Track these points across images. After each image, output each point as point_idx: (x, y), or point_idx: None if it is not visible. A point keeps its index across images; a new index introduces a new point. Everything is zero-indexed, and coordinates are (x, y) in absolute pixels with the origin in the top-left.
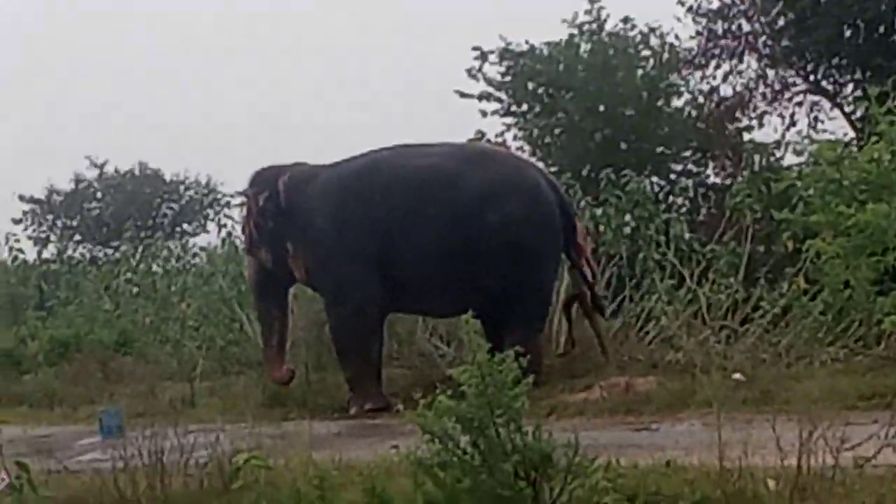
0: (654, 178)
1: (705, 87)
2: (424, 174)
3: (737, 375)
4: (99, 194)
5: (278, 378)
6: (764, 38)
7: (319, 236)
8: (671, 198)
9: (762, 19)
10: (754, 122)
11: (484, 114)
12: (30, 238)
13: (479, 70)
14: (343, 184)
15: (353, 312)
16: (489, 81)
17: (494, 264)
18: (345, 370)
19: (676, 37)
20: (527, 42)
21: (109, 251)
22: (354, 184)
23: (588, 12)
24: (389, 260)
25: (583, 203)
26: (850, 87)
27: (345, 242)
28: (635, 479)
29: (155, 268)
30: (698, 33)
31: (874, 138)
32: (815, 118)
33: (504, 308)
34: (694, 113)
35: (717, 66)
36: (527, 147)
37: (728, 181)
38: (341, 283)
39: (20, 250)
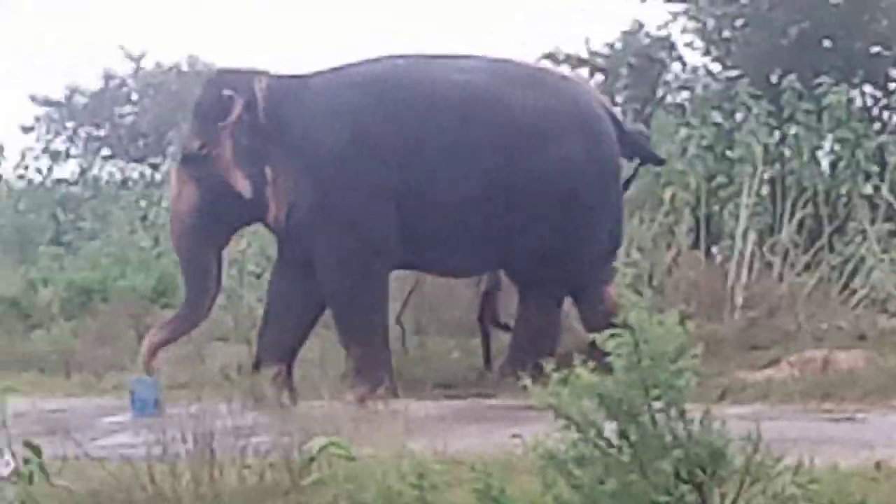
0: (866, 88)
1: None
2: (463, 91)
3: None
4: (134, 96)
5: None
6: None
7: (324, 160)
8: (888, 114)
9: None
10: None
11: None
12: (44, 152)
13: None
14: (358, 93)
15: (365, 267)
16: None
17: (541, 215)
18: (350, 345)
19: None
20: None
21: (147, 170)
22: (373, 94)
23: None
24: (409, 202)
25: (766, 120)
26: None
27: (361, 169)
28: (834, 485)
29: None
30: None
31: None
32: None
33: (534, 270)
34: None
35: None
36: (699, 43)
37: None
38: (353, 224)
39: (25, 167)
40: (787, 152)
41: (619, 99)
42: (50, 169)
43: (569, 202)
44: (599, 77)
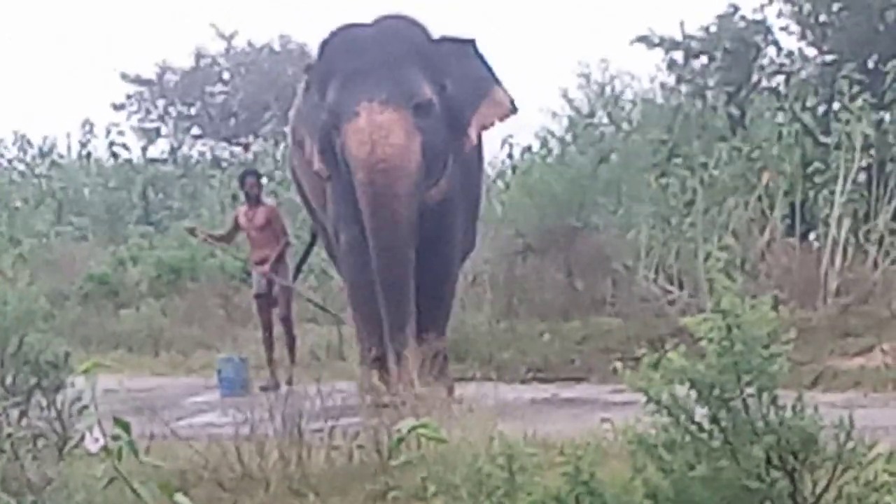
0: None
1: None
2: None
3: None
4: (226, 75)
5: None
6: None
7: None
8: None
9: None
10: None
11: None
12: (134, 130)
13: None
14: None
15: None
16: None
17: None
18: (445, 331)
19: None
20: None
21: (238, 150)
22: None
23: None
24: None
25: (864, 104)
26: None
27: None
28: None
29: None
30: None
31: None
32: None
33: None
34: None
35: None
36: (794, 27)
37: None
38: (476, 206)
39: (123, 145)
40: (889, 139)
41: (712, 83)
42: (145, 148)
43: None
44: (695, 61)
